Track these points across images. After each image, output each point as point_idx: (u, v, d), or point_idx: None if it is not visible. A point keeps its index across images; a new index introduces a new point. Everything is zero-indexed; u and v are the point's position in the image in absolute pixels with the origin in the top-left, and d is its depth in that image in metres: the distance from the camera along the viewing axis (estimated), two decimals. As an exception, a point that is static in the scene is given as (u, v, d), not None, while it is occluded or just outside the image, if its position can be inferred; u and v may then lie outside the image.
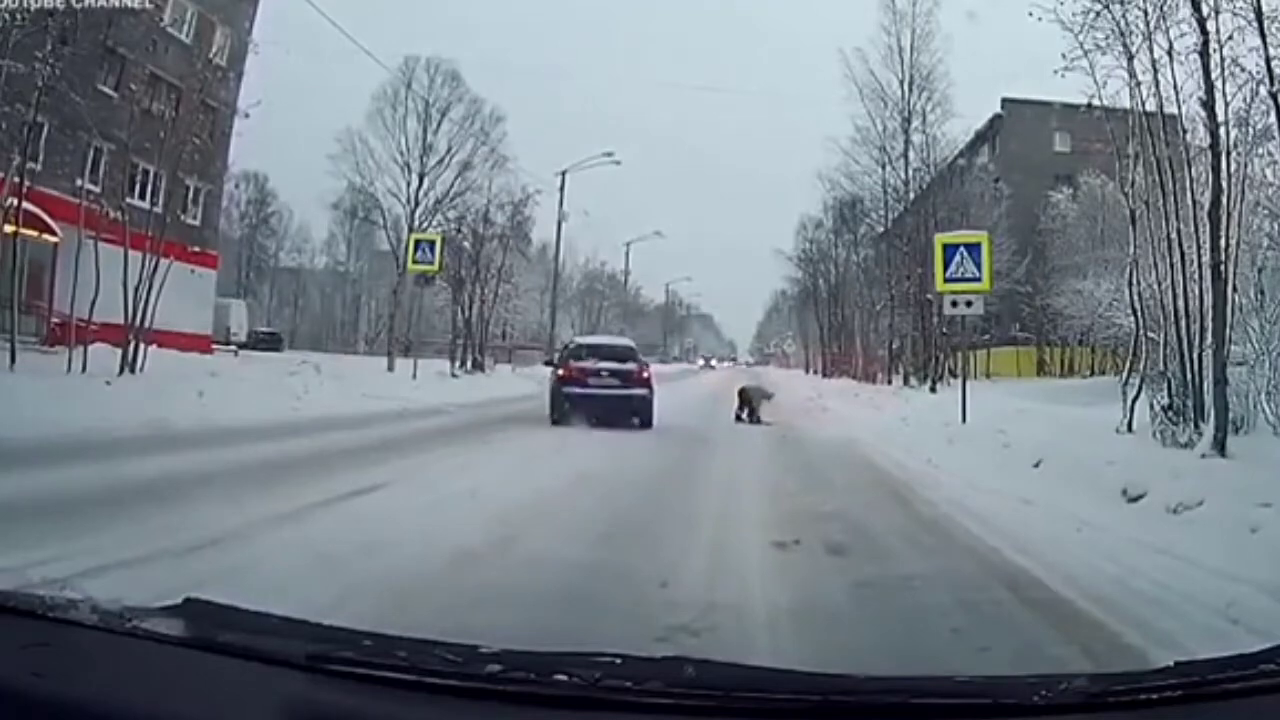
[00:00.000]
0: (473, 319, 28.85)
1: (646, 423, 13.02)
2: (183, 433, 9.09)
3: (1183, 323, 8.78)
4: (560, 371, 13.65)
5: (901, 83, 28.29)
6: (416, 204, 28.40)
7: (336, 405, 13.24)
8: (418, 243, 21.91)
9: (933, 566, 4.90)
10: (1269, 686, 1.37)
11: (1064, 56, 9.86)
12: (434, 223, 27.98)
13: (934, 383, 25.15)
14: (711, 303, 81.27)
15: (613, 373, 13.39)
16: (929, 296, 27.09)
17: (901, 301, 29.11)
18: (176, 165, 16.92)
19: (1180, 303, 8.82)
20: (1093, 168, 26.70)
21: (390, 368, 25.04)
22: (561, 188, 36.05)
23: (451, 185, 28.94)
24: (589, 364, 13.54)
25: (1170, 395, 8.77)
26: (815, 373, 44.00)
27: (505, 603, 3.70)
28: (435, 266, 21.32)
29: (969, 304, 13.32)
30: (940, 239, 13.78)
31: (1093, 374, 27.69)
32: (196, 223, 24.32)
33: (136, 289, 14.01)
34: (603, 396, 12.97)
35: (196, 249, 22.82)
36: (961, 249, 13.02)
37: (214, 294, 26.03)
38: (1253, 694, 1.36)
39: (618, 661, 1.36)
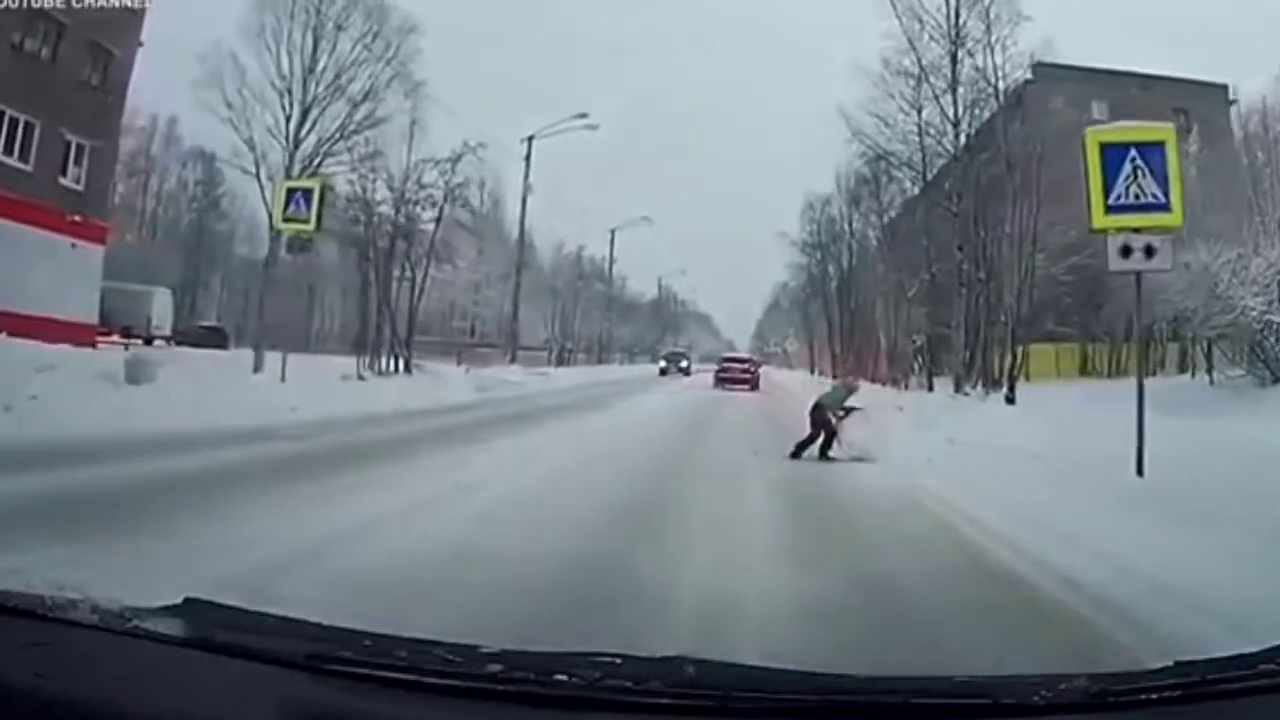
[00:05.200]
0: (393, 304, 25.65)
1: (754, 387, 32.59)
2: None
3: None
4: (717, 367, 35.85)
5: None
6: (297, 144, 23.54)
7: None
8: (290, 192, 17.56)
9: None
10: (1269, 686, 1.53)
11: None
12: (330, 171, 23.70)
13: (1011, 390, 21.65)
14: (709, 301, 79.83)
15: (734, 369, 34.32)
16: (981, 276, 23.82)
17: (945, 282, 25.51)
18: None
19: None
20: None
21: (257, 367, 20.83)
22: (528, 156, 33.95)
23: (346, 118, 24.17)
24: (723, 365, 35.18)
25: None
26: (821, 374, 41.57)
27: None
28: (312, 225, 17.29)
29: (1149, 252, 8.90)
30: (1095, 135, 9.35)
31: (1148, 374, 26.97)
32: (79, 186, 22.17)
33: None
34: (731, 377, 32.93)
35: (77, 218, 20.90)
36: (1133, 153, 8.95)
37: (100, 273, 23.48)
38: (1253, 694, 1.52)
39: (618, 661, 1.51)
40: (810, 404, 12.49)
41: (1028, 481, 8.34)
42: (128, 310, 28.01)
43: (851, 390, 12.80)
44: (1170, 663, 1.65)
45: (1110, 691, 1.51)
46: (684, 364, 51.34)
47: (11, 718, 1.34)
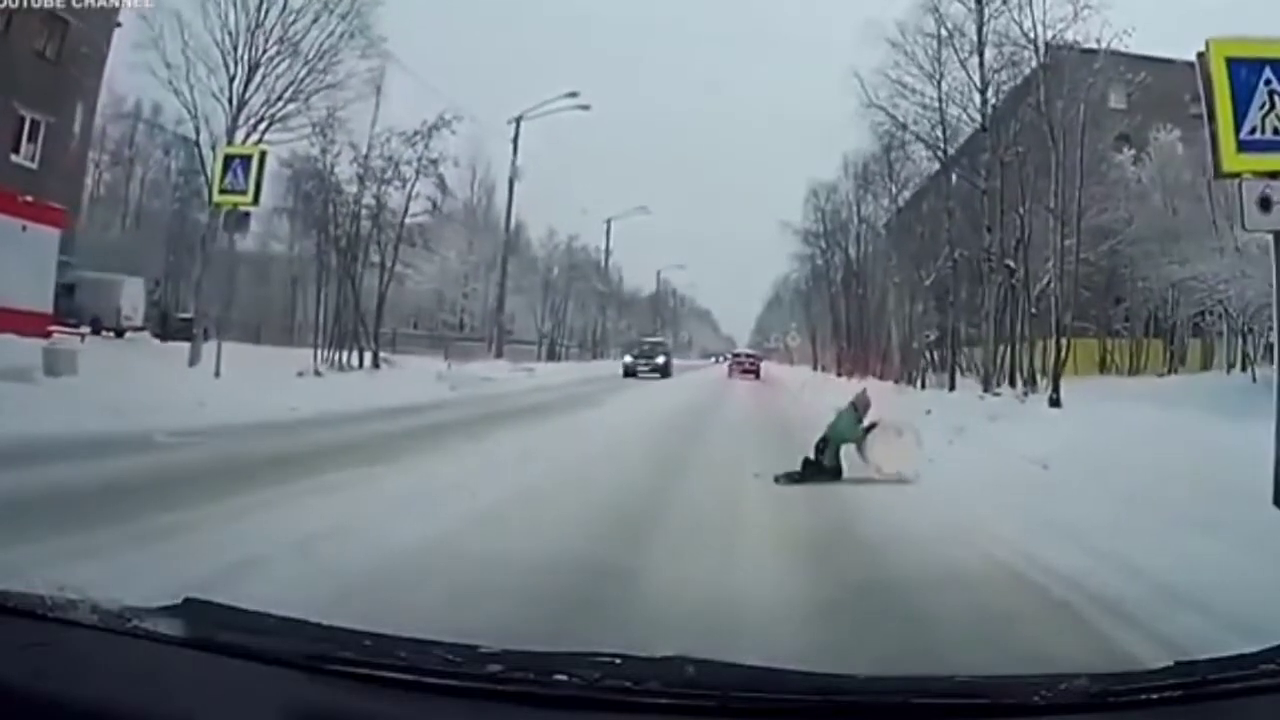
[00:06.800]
0: (359, 292, 24.76)
1: (757, 376, 41.50)
2: None
3: None
4: (729, 360, 48.95)
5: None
6: (241, 104, 21.85)
7: None
8: (229, 160, 16.60)
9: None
10: (1269, 686, 1.58)
11: None
12: (283, 140, 22.79)
13: (1056, 390, 19.93)
14: (709, 296, 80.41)
15: (744, 362, 44.91)
16: (1009, 263, 22.96)
17: (966, 269, 24.75)
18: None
19: None
20: (1163, 120, 25.38)
21: (193, 360, 19.51)
22: (515, 138, 34.22)
23: (297, 76, 22.58)
24: (735, 359, 47.42)
25: None
26: (824, 370, 42.12)
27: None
28: (250, 197, 16.35)
29: None
30: (1220, 48, 7.56)
31: (1170, 370, 25.31)
32: (32, 165, 21.75)
33: None
34: (740, 369, 42.43)
35: (29, 198, 20.41)
36: (1268, 73, 7.39)
37: (55, 259, 22.55)
38: (1253, 694, 1.58)
39: (617, 661, 1.57)
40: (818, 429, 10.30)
41: (1169, 533, 6.17)
42: (97, 301, 27.38)
43: (864, 408, 10.31)
44: (1170, 663, 1.70)
45: (1110, 691, 1.56)
46: (660, 360, 36.83)
47: (11, 718, 1.38)
